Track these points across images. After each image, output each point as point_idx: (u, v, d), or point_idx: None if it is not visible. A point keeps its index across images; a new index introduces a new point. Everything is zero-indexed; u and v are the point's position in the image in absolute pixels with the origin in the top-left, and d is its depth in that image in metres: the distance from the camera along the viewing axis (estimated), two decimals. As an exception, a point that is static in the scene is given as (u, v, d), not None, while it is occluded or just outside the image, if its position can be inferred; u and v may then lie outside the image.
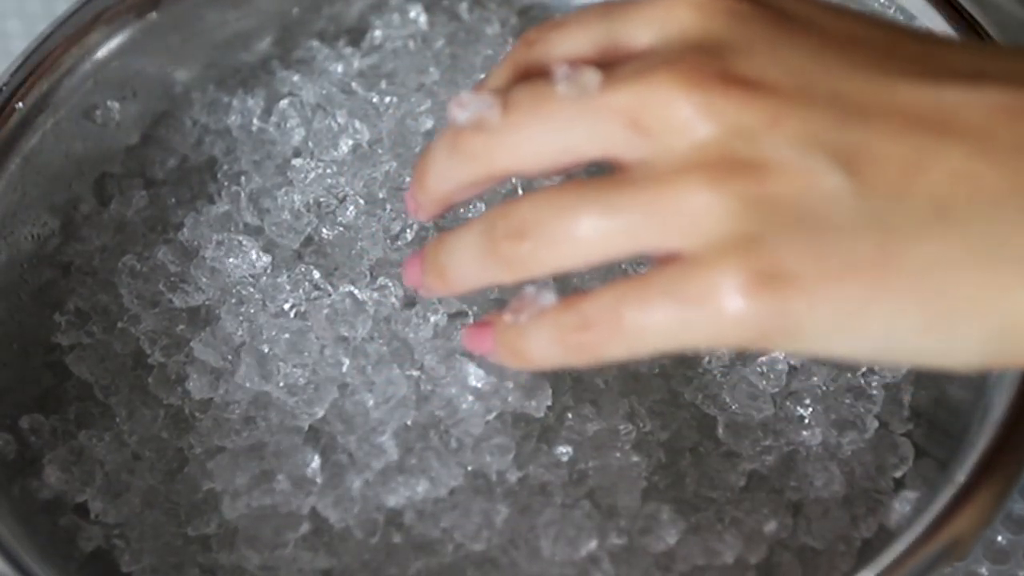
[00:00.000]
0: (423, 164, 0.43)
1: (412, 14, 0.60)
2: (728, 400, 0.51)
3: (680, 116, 0.38)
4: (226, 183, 0.57)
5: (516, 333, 0.41)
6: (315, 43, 0.60)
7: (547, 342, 0.40)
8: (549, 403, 0.50)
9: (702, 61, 0.38)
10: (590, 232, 0.38)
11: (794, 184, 0.37)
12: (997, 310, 0.37)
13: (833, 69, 0.38)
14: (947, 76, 0.38)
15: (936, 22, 0.53)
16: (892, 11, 0.54)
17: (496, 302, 0.53)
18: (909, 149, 0.37)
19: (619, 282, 0.39)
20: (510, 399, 0.50)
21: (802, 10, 0.40)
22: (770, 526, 0.49)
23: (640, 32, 0.40)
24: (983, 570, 0.53)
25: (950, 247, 0.36)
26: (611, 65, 0.39)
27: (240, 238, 0.54)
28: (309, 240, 0.55)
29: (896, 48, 0.39)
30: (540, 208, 0.39)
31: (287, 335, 0.52)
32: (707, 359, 0.53)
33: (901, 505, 0.49)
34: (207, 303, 0.54)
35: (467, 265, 0.41)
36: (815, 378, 0.52)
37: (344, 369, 0.51)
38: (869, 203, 0.37)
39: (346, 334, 0.52)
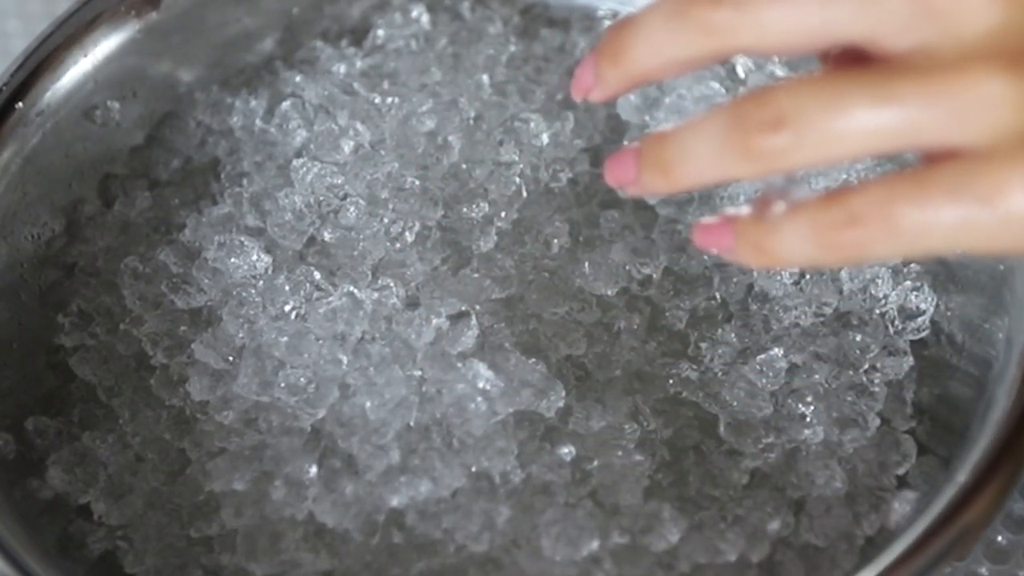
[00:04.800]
0: (627, 34, 0.38)
1: (414, 13, 0.60)
2: (728, 398, 0.52)
3: None
4: (228, 184, 0.57)
5: (765, 228, 0.37)
6: (318, 43, 0.60)
7: (802, 238, 0.36)
8: (561, 403, 0.50)
9: None
10: (862, 124, 0.35)
11: None
12: None
13: None
14: None
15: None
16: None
17: (501, 302, 0.53)
18: None
19: (893, 176, 0.36)
20: (519, 399, 0.50)
21: None
22: (772, 524, 0.49)
23: None
24: (983, 570, 0.53)
25: None
26: None
27: (242, 239, 0.54)
28: (311, 241, 0.55)
29: None
30: (803, 97, 0.35)
31: (286, 337, 0.52)
32: (708, 357, 0.53)
33: (902, 505, 0.49)
34: (209, 304, 0.54)
35: (703, 158, 0.37)
36: (817, 376, 0.52)
37: (345, 369, 0.52)
38: None
39: (346, 334, 0.52)
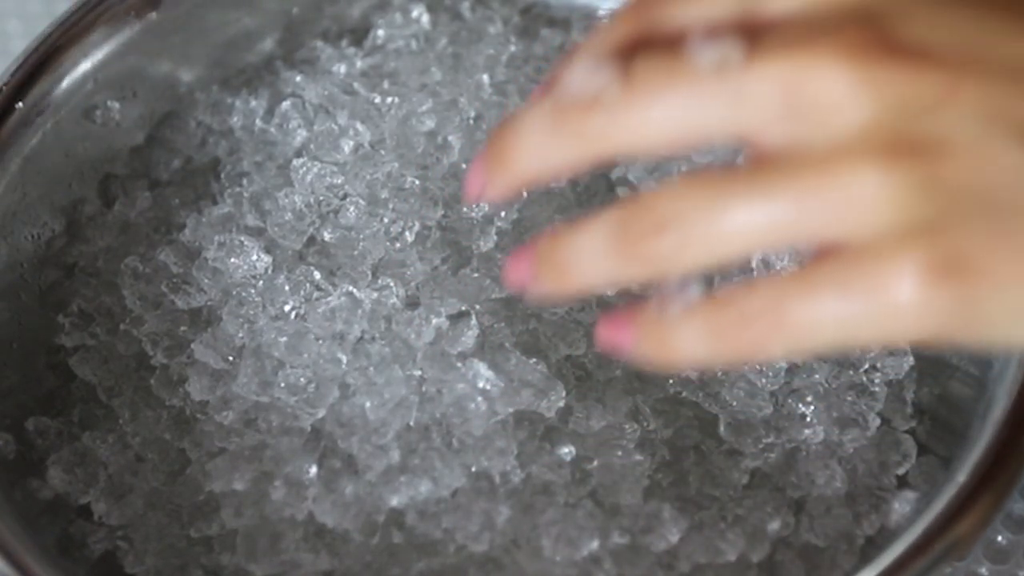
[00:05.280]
0: (508, 140, 0.38)
1: (414, 13, 0.60)
2: (728, 398, 0.52)
3: (842, 93, 0.34)
4: (228, 184, 0.57)
5: (664, 327, 0.37)
6: (319, 43, 0.60)
7: (699, 338, 0.37)
8: (561, 404, 0.50)
9: (861, 30, 0.34)
10: (742, 224, 0.35)
11: (975, 163, 0.34)
12: None
13: (1001, 33, 0.35)
14: None
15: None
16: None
17: (500, 302, 0.53)
18: None
19: (780, 276, 0.36)
20: (519, 399, 0.50)
21: None
22: (773, 524, 0.49)
23: None
24: (983, 570, 0.53)
25: None
26: (749, 33, 0.36)
27: (242, 239, 0.54)
28: (311, 241, 0.55)
29: None
30: (682, 200, 0.36)
31: (286, 337, 0.52)
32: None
33: (902, 505, 0.49)
34: (209, 304, 0.54)
35: (594, 263, 0.37)
36: (817, 375, 0.52)
37: (344, 369, 0.52)
38: None
39: (345, 334, 0.52)
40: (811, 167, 0.35)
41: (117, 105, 0.58)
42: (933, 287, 0.34)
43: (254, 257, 0.54)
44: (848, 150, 0.34)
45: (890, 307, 0.34)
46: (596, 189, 0.57)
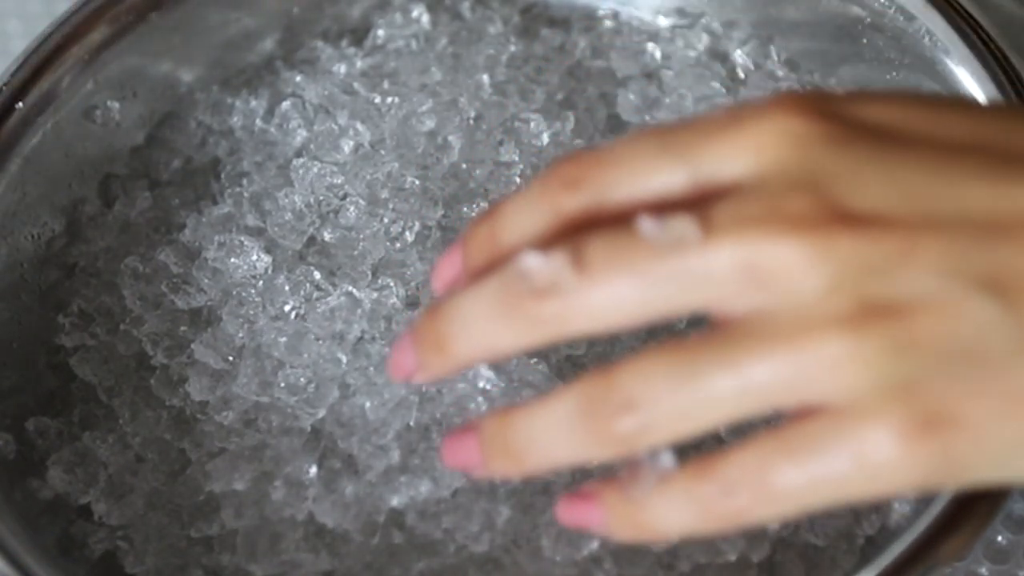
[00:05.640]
0: (448, 325, 0.37)
1: (415, 13, 0.60)
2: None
3: (798, 266, 0.34)
4: (228, 184, 0.57)
5: (637, 505, 0.36)
6: (319, 43, 0.60)
7: (680, 511, 0.36)
8: None
9: (812, 201, 0.34)
10: (714, 397, 0.35)
11: (942, 319, 0.34)
12: None
13: (951, 184, 0.35)
14: None
15: (936, 22, 0.53)
16: (892, 11, 0.54)
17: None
18: None
19: (759, 440, 0.35)
20: (519, 399, 0.50)
21: (895, 119, 0.36)
22: (772, 524, 0.49)
23: (724, 166, 0.36)
24: (983, 570, 0.53)
25: None
26: (695, 204, 0.35)
27: (242, 239, 0.54)
28: (311, 241, 0.55)
29: (987, 139, 0.36)
30: (649, 375, 0.35)
31: (285, 337, 0.52)
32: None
33: (902, 505, 0.49)
34: (209, 304, 0.54)
35: (555, 445, 0.36)
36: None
37: (344, 369, 0.52)
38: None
39: (344, 333, 0.52)
40: (780, 337, 0.34)
41: (117, 105, 0.58)
42: (914, 444, 0.34)
43: (254, 257, 0.54)
44: (814, 320, 0.34)
45: (874, 467, 0.35)
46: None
